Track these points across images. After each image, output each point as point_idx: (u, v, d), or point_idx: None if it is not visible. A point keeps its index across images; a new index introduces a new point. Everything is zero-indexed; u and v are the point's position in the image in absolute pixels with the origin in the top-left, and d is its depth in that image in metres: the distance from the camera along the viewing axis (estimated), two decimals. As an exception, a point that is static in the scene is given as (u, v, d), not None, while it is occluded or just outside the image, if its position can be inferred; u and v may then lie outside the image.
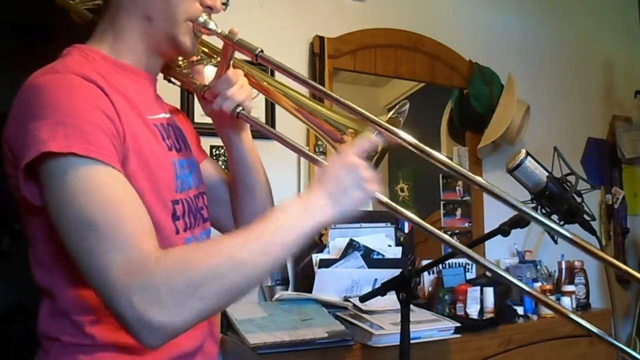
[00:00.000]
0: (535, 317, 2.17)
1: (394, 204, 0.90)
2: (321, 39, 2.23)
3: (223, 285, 0.75)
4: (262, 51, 0.94)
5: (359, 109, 0.90)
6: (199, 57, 1.06)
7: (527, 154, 1.48)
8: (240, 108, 0.99)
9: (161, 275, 0.72)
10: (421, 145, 0.88)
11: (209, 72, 1.06)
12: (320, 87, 0.97)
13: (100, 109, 0.79)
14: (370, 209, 2.24)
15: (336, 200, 0.83)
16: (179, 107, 1.91)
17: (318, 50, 2.22)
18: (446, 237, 0.93)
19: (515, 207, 0.87)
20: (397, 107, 0.94)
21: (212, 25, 0.95)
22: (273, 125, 2.08)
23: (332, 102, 0.95)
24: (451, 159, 2.68)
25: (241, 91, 0.99)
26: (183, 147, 1.01)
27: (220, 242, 0.80)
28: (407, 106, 0.94)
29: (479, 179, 0.90)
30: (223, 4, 1.00)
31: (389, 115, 0.92)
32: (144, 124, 0.90)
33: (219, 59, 1.01)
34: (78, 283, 0.82)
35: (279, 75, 1.00)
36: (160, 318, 0.71)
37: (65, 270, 0.83)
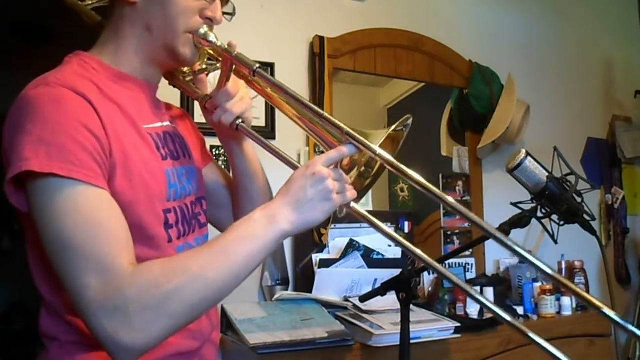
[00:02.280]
0: (535, 317, 2.17)
1: (368, 215, 0.91)
2: (321, 39, 2.23)
3: (190, 302, 0.77)
4: (260, 67, 0.94)
5: (345, 127, 0.90)
6: (203, 67, 1.06)
7: (527, 154, 1.48)
8: (240, 120, 0.99)
9: (133, 293, 0.74)
10: (398, 164, 0.88)
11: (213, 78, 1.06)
12: (312, 105, 0.95)
13: (85, 126, 0.79)
14: (370, 208, 2.24)
15: (300, 210, 0.84)
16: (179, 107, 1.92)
17: (318, 50, 2.22)
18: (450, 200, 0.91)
19: (487, 232, 0.87)
20: (402, 120, 0.94)
21: (212, 38, 0.95)
22: (273, 129, 2.10)
23: (321, 120, 0.93)
24: (451, 159, 2.67)
25: (240, 104, 0.99)
26: (182, 154, 1.00)
27: (187, 258, 0.80)
28: (411, 121, 0.95)
29: (450, 199, 0.89)
30: (228, 14, 1.01)
31: (393, 127, 0.92)
32: (137, 134, 0.90)
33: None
34: None
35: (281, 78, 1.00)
36: (130, 339, 0.74)
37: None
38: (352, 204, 0.90)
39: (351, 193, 0.89)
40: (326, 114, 0.91)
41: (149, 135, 0.93)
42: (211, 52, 1.04)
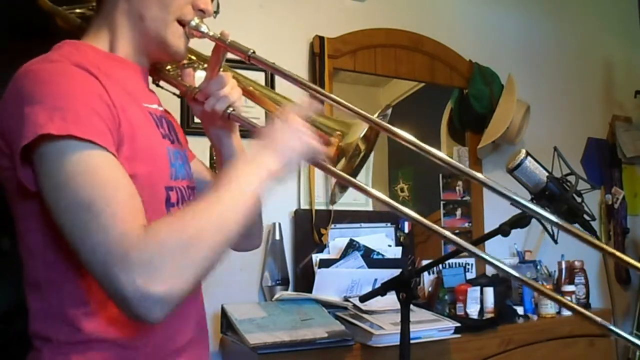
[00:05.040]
0: (535, 317, 2.17)
1: (343, 174, 0.93)
2: (321, 39, 2.23)
3: (209, 245, 0.77)
4: (254, 52, 0.95)
5: (351, 105, 0.94)
6: (187, 61, 1.07)
7: (527, 154, 1.48)
8: (232, 109, 1.00)
9: (155, 246, 0.73)
10: (417, 141, 0.91)
11: (197, 77, 1.07)
12: (315, 86, 0.99)
13: (97, 95, 0.80)
14: (371, 208, 2.24)
15: (280, 151, 0.89)
16: (179, 109, 1.92)
17: (318, 50, 2.23)
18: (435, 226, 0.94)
19: (516, 202, 0.88)
20: (380, 110, 0.98)
21: (204, 28, 0.96)
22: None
23: (327, 101, 0.97)
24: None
25: (233, 92, 1.00)
26: (175, 139, 1.02)
27: (197, 205, 0.80)
28: (390, 111, 1.00)
29: (477, 174, 0.92)
30: (214, 12, 1.02)
31: (375, 116, 0.95)
32: (140, 110, 0.91)
33: (206, 65, 1.03)
34: (77, 273, 0.82)
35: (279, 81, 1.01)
36: (161, 288, 0.71)
37: (61, 260, 0.82)
38: (312, 143, 0.93)
39: (323, 147, 0.94)
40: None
41: (150, 114, 0.95)
42: (193, 57, 1.07)
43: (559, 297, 0.88)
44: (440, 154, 0.92)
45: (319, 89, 0.99)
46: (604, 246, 0.87)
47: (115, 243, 0.72)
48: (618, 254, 0.85)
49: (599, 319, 0.80)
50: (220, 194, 0.81)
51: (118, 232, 0.73)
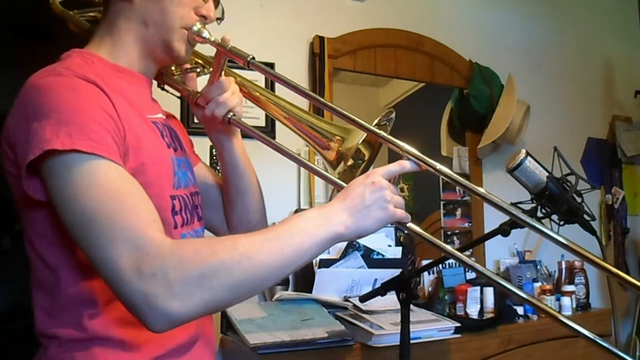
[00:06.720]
0: (535, 317, 2.17)
1: (422, 231, 0.92)
2: (321, 39, 2.24)
3: (232, 279, 0.75)
4: (253, 58, 0.97)
5: (350, 114, 0.93)
6: (192, 65, 1.09)
7: (527, 154, 1.48)
8: (232, 114, 1.02)
9: (174, 262, 0.73)
10: (418, 153, 0.90)
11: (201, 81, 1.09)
12: (312, 93, 1.00)
13: (101, 108, 0.81)
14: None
15: (356, 215, 0.85)
16: (179, 110, 1.93)
17: (318, 50, 2.23)
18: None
19: (514, 216, 0.88)
20: (384, 114, 0.97)
21: (205, 34, 0.98)
22: (273, 131, 2.08)
23: (324, 108, 0.97)
24: (451, 159, 2.69)
25: (233, 97, 1.02)
26: (178, 147, 1.04)
27: (235, 238, 0.81)
28: (394, 114, 0.98)
29: (480, 189, 0.92)
30: (217, 18, 1.03)
31: (376, 122, 0.95)
32: (144, 122, 0.93)
33: (211, 69, 1.04)
34: (82, 275, 0.85)
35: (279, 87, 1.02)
36: (169, 304, 0.72)
37: (70, 262, 0.85)
38: (410, 224, 0.91)
39: (406, 213, 0.90)
40: (383, 133, 0.92)
41: (154, 124, 0.97)
42: (200, 60, 1.09)
43: (540, 303, 0.89)
44: (445, 169, 0.92)
45: (318, 97, 1.00)
46: (608, 266, 0.87)
47: (129, 258, 0.73)
48: (621, 274, 0.86)
49: (577, 325, 0.80)
50: (269, 237, 0.80)
51: (131, 246, 0.73)
